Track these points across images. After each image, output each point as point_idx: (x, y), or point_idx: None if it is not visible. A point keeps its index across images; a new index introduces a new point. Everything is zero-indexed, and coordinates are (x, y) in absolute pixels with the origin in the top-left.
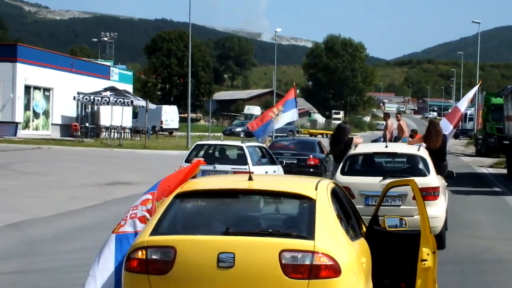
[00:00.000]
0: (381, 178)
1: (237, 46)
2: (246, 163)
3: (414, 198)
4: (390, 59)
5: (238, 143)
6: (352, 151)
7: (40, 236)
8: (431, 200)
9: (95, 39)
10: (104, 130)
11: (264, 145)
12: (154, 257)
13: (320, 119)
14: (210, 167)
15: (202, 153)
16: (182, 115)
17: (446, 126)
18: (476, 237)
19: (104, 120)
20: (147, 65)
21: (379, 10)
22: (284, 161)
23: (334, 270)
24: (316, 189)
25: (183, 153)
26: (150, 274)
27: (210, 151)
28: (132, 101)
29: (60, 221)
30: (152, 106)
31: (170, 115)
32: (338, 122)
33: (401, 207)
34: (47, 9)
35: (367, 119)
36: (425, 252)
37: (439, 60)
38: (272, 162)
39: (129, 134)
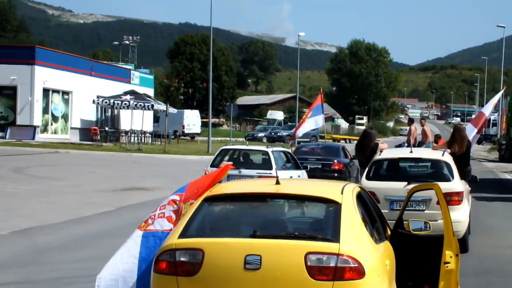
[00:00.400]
0: (406, 183)
1: (261, 50)
2: (271, 168)
3: (438, 203)
4: (414, 64)
5: (263, 147)
6: (378, 157)
7: (47, 243)
8: (455, 205)
9: (116, 42)
10: (123, 134)
11: (289, 150)
12: (182, 259)
13: (343, 124)
14: (235, 172)
15: (227, 158)
16: (204, 120)
17: (471, 131)
18: (500, 246)
19: (124, 124)
20: (170, 69)
21: (403, 15)
22: (309, 166)
23: (358, 272)
24: (342, 193)
25: (203, 158)
26: (178, 275)
27: (235, 156)
28: (152, 105)
29: (70, 228)
30: (173, 110)
31: (192, 119)
32: (361, 127)
33: (425, 211)
34: (70, 12)
35: (391, 124)
36: (448, 255)
37: (462, 66)
38: (296, 167)
39: (150, 138)
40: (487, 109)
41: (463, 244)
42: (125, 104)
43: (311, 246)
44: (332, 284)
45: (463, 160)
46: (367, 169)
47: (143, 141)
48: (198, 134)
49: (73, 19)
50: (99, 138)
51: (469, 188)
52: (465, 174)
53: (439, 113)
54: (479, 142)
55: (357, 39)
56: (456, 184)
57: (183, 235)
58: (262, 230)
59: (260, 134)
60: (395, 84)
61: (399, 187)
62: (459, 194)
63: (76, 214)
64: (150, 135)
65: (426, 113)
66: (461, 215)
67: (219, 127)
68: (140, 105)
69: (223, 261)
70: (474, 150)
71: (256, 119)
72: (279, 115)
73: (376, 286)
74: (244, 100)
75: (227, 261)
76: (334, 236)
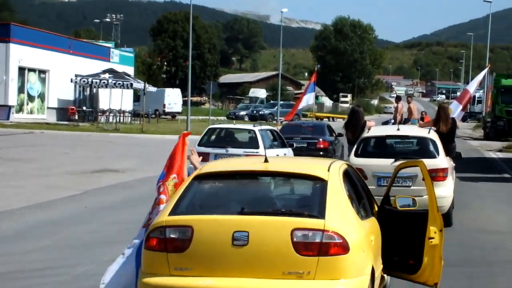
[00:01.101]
0: (393, 160)
1: (246, 28)
2: (258, 146)
3: (423, 179)
4: (399, 41)
5: (250, 126)
6: (366, 134)
7: (3, 231)
8: (440, 181)
9: (97, 20)
10: (101, 114)
11: (275, 129)
12: (172, 236)
13: (327, 102)
14: (222, 151)
15: (214, 137)
16: (186, 99)
17: (456, 108)
18: (485, 232)
19: (103, 104)
20: (152, 47)
21: None
22: (295, 144)
23: (343, 248)
24: (328, 170)
25: None
26: (168, 252)
27: (223, 135)
28: (131, 84)
29: (30, 214)
30: (152, 89)
31: (173, 98)
32: (345, 105)
33: (411, 187)
34: None
35: (375, 102)
36: (433, 230)
37: (448, 42)
38: (283, 145)
39: (129, 118)
40: (472, 86)
41: (447, 219)
42: (104, 83)
43: (297, 222)
44: (318, 260)
45: (448, 138)
46: (355, 146)
47: (122, 120)
48: (179, 113)
49: None
50: (76, 118)
51: (454, 165)
52: (450, 151)
53: (424, 91)
54: (463, 119)
55: (342, 16)
56: (441, 161)
57: (173, 212)
58: (249, 207)
59: (242, 113)
60: (380, 61)
61: (386, 164)
62: (444, 170)
63: (40, 199)
64: (129, 115)
65: (411, 90)
66: (445, 190)
67: (201, 106)
68: (119, 83)
69: (212, 238)
70: (459, 128)
71: (239, 97)
72: (261, 93)
73: (360, 261)
74: (228, 78)
75: (215, 238)
76: (319, 212)
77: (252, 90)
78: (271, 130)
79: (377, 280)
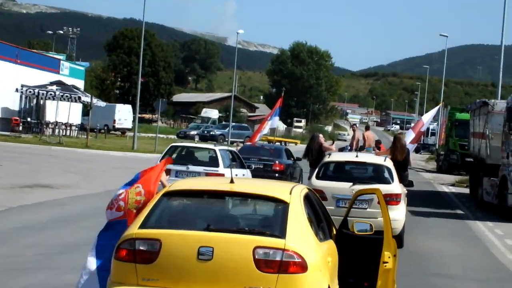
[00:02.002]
0: (352, 183)
1: (203, 49)
2: (218, 165)
3: (378, 202)
4: (356, 70)
5: (211, 146)
6: (327, 159)
7: None
8: (393, 205)
9: (50, 32)
10: (46, 126)
11: (234, 149)
12: (141, 248)
13: (281, 126)
14: (183, 168)
15: (175, 154)
16: (140, 115)
17: (409, 136)
18: (437, 275)
19: (50, 116)
20: (107, 62)
21: (348, 22)
22: (253, 166)
23: (301, 267)
24: (290, 193)
25: (127, 154)
26: (137, 263)
27: (184, 153)
28: (79, 97)
29: None
30: (101, 103)
31: (124, 114)
32: (299, 130)
33: (367, 209)
34: (13, 1)
35: (329, 128)
36: (387, 255)
37: (404, 74)
38: (241, 166)
39: (76, 132)
40: (426, 118)
41: (399, 240)
42: (51, 94)
43: (259, 240)
44: (277, 277)
45: (402, 166)
46: (317, 169)
47: (69, 134)
48: (129, 130)
49: (15, 8)
50: (20, 129)
51: (406, 191)
52: (403, 178)
53: (379, 120)
54: (417, 151)
55: (299, 41)
56: (395, 187)
57: (143, 226)
58: (215, 225)
59: (193, 132)
60: (336, 88)
61: (345, 187)
62: (398, 195)
63: None
64: (76, 128)
65: (366, 119)
66: (398, 214)
67: (154, 123)
68: (67, 96)
69: (179, 251)
70: (412, 159)
71: (192, 116)
72: (214, 113)
73: (317, 280)
74: (182, 97)
75: (182, 251)
76: (281, 232)
77: (204, 110)
78: (230, 151)
79: None
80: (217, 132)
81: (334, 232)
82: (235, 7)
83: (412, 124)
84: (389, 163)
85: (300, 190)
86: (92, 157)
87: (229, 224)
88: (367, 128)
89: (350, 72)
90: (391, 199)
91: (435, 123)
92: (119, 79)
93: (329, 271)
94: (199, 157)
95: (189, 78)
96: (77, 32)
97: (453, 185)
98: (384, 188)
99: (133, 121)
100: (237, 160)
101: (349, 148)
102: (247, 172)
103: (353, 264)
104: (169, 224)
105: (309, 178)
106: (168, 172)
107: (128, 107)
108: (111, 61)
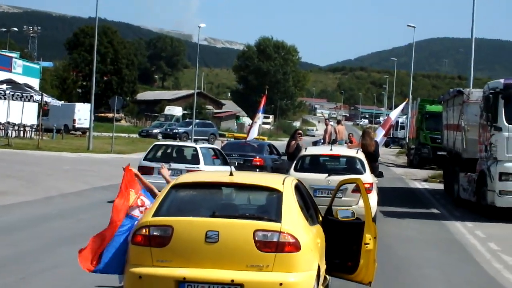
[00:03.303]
0: (327, 175)
1: (169, 46)
2: (199, 162)
3: (352, 191)
4: (324, 65)
5: (193, 144)
6: (303, 153)
7: None
8: (367, 193)
9: (4, 29)
10: None
11: (217, 147)
12: (155, 233)
13: (248, 122)
14: (166, 165)
15: (160, 152)
16: (103, 115)
17: (380, 133)
18: None
19: (1, 116)
20: (68, 60)
21: (315, 17)
22: (236, 162)
23: (295, 247)
24: (283, 184)
25: (81, 155)
26: (152, 246)
27: (167, 151)
28: (31, 96)
29: None
30: (55, 102)
31: (84, 113)
32: (267, 126)
33: (342, 198)
34: None
35: (297, 124)
36: (368, 237)
37: (371, 68)
38: (224, 162)
39: (31, 132)
40: (394, 114)
41: None
42: (1, 93)
43: (258, 224)
44: (275, 256)
45: (372, 157)
46: (294, 162)
47: (23, 135)
48: (89, 129)
49: None
50: None
51: (377, 181)
52: (374, 169)
53: (348, 114)
54: (386, 145)
55: (265, 36)
56: (367, 177)
57: (156, 214)
58: (220, 211)
59: (156, 131)
60: (303, 83)
61: (321, 178)
62: (370, 184)
63: None
64: (30, 129)
65: (335, 113)
66: (371, 202)
67: (117, 122)
68: (18, 95)
69: (189, 235)
70: (382, 153)
71: (156, 115)
72: (177, 111)
73: (309, 259)
74: (147, 95)
75: (191, 236)
76: (277, 217)
77: (167, 107)
78: (213, 148)
79: (322, 276)
80: (180, 130)
81: (320, 219)
82: (198, 4)
83: (381, 120)
84: (360, 155)
85: (291, 180)
86: (41, 159)
87: (232, 211)
88: (339, 122)
89: (317, 67)
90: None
91: (404, 116)
92: (81, 78)
93: (318, 251)
94: (181, 155)
95: (156, 76)
96: (38, 31)
97: (425, 180)
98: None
99: (95, 120)
100: (220, 157)
101: (322, 141)
102: (231, 169)
103: (338, 247)
104: (179, 212)
105: (287, 170)
106: (151, 170)
107: (88, 106)
108: (72, 59)
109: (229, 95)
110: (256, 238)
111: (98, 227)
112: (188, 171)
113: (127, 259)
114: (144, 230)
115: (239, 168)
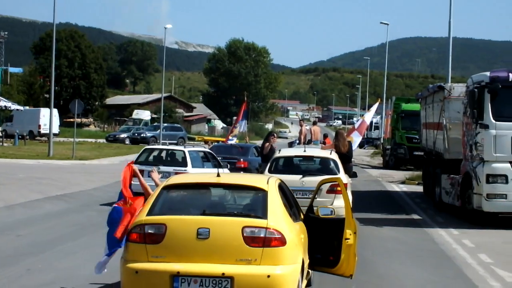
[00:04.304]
0: (301, 176)
1: (140, 51)
2: (186, 165)
3: (327, 192)
4: (296, 67)
5: (181, 147)
6: (277, 154)
7: None
8: (340, 194)
9: None
10: None
11: (210, 150)
12: (150, 231)
13: (220, 125)
14: (155, 168)
15: (149, 156)
16: (72, 120)
17: (357, 138)
18: None
19: None
20: (34, 65)
21: (288, 18)
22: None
23: (281, 241)
24: (267, 183)
25: (40, 162)
26: (147, 243)
27: (156, 154)
28: None
29: None
30: (17, 107)
31: (49, 118)
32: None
33: (317, 199)
34: None
35: (270, 126)
36: (348, 232)
37: (344, 69)
38: (217, 165)
39: None
40: (369, 117)
41: None
42: None
43: (246, 221)
44: (262, 250)
45: (346, 158)
46: (269, 164)
47: None
48: (56, 135)
49: None
50: None
51: (351, 181)
52: (348, 170)
53: (321, 116)
54: (361, 145)
55: (236, 38)
56: (342, 178)
57: (150, 213)
58: (210, 210)
59: (123, 135)
60: (275, 85)
61: (295, 179)
62: (345, 185)
63: None
64: None
65: (308, 115)
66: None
67: (86, 127)
68: None
69: (181, 233)
70: (357, 154)
71: (126, 119)
72: (145, 115)
73: (294, 253)
74: (117, 99)
75: (184, 233)
76: (263, 214)
77: (136, 111)
78: (205, 152)
79: (305, 270)
80: (148, 134)
81: (302, 216)
82: (170, 8)
83: (355, 120)
84: (334, 156)
85: (275, 180)
86: None
87: (221, 209)
88: (314, 123)
89: (290, 69)
90: (337, 189)
91: (378, 116)
92: (48, 83)
93: (302, 246)
94: (170, 158)
95: (127, 81)
96: (5, 36)
97: (403, 182)
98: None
99: (61, 125)
100: (211, 160)
101: (297, 142)
102: (223, 171)
103: (319, 242)
104: (171, 211)
105: (262, 172)
106: (141, 173)
107: (54, 111)
108: (38, 64)
109: (201, 98)
110: (245, 234)
111: (37, 245)
112: (176, 173)
113: (123, 256)
114: (139, 228)
115: None
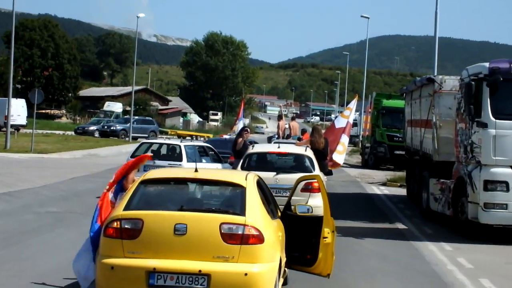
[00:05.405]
0: (275, 173)
1: (118, 43)
2: (181, 160)
3: (301, 190)
4: (275, 62)
5: (177, 142)
6: (250, 151)
7: None
8: (316, 193)
9: None
10: None
11: (209, 145)
12: (126, 226)
13: (195, 119)
14: (150, 162)
15: (145, 150)
16: (42, 111)
17: (346, 141)
18: None
19: None
20: (5, 55)
21: (267, 14)
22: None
23: (259, 239)
24: (246, 179)
25: None
26: (123, 239)
27: (154, 149)
28: None
29: None
30: None
31: (16, 109)
32: (215, 123)
33: (292, 198)
34: None
35: (246, 121)
36: (326, 231)
37: (323, 65)
38: (215, 160)
39: None
40: (351, 117)
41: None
42: None
43: (224, 218)
44: (240, 247)
45: (321, 155)
46: (241, 160)
47: None
48: (24, 126)
49: None
50: None
51: (326, 179)
52: (323, 167)
53: (299, 112)
54: None
55: (214, 31)
56: (315, 174)
57: (127, 208)
58: (187, 205)
59: (92, 128)
60: (253, 79)
61: (269, 176)
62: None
63: None
64: None
65: (285, 111)
66: (320, 201)
67: (58, 119)
68: None
69: (158, 228)
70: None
71: (99, 111)
72: (117, 107)
73: (272, 251)
74: (92, 91)
75: (161, 228)
76: (241, 211)
77: (107, 103)
78: (203, 147)
79: (283, 268)
80: (119, 127)
81: (279, 213)
82: (149, 1)
83: (333, 117)
84: (309, 153)
85: (253, 176)
86: None
87: (198, 205)
88: (293, 118)
89: (268, 64)
90: (313, 187)
91: (357, 113)
92: (21, 73)
93: (280, 244)
94: (165, 153)
95: (104, 73)
96: None
97: (384, 184)
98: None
99: (28, 116)
100: (210, 155)
101: (276, 136)
102: (222, 166)
103: (297, 240)
104: (149, 206)
105: (235, 168)
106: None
107: (22, 102)
108: (10, 53)
109: (178, 92)
110: (222, 231)
111: None
112: (170, 167)
113: (98, 251)
114: (115, 223)
115: None
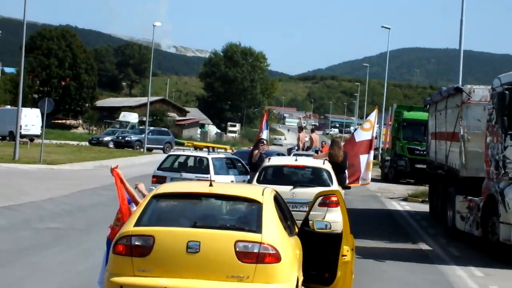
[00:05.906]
0: (292, 187)
1: (137, 54)
2: (208, 172)
3: (319, 205)
4: (294, 74)
5: (205, 154)
6: (266, 163)
7: None
8: (333, 207)
9: None
10: None
11: (236, 157)
12: (137, 243)
13: (213, 131)
14: (177, 175)
15: (172, 163)
16: (59, 121)
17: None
18: None
19: None
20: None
21: (288, 27)
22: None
23: (276, 258)
24: (262, 194)
25: (1, 167)
26: (133, 256)
27: (180, 161)
28: None
29: None
30: None
31: (31, 119)
32: (233, 134)
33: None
34: None
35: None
36: (346, 249)
37: (342, 77)
38: (242, 173)
39: None
40: (374, 130)
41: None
42: None
43: (239, 235)
44: (255, 266)
45: (340, 168)
46: (257, 173)
47: None
48: (38, 136)
49: None
50: None
51: (344, 193)
52: (341, 181)
53: (317, 123)
54: None
55: (233, 42)
56: (335, 189)
57: (137, 224)
58: (201, 222)
59: (107, 138)
60: (271, 90)
61: (285, 190)
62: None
63: None
64: None
65: (305, 123)
66: (338, 216)
67: (74, 129)
68: None
69: (170, 246)
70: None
71: (115, 121)
72: (133, 117)
73: (289, 270)
74: (109, 102)
75: (173, 246)
76: (257, 228)
77: (122, 113)
78: (231, 159)
79: (300, 287)
80: (134, 138)
81: (296, 230)
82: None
83: (352, 128)
84: (327, 166)
85: (270, 191)
86: None
87: (213, 221)
88: (313, 130)
89: (287, 76)
90: (331, 202)
91: (377, 125)
92: (38, 83)
93: (297, 262)
94: (193, 165)
95: (123, 83)
96: None
97: (405, 199)
98: (324, 190)
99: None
100: (238, 168)
101: (296, 148)
102: (246, 179)
103: (315, 258)
104: (160, 222)
105: (250, 182)
106: (164, 179)
107: (36, 111)
108: (28, 63)
109: (196, 103)
110: (237, 249)
111: None
112: (198, 180)
113: (107, 269)
114: (125, 240)
115: None
